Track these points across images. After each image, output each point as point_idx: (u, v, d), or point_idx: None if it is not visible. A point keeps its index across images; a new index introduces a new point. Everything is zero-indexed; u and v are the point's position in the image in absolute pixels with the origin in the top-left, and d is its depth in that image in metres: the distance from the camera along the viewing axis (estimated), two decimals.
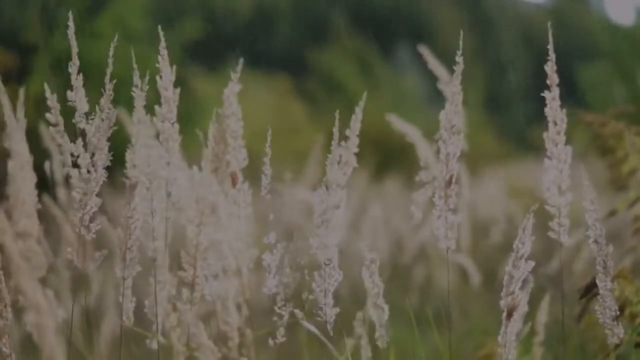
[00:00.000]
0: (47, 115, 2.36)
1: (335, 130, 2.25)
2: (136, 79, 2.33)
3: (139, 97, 2.34)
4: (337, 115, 2.25)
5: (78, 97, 2.29)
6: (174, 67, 2.38)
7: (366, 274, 2.41)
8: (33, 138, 2.89)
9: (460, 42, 2.28)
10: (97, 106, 2.29)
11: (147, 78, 2.35)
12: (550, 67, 2.27)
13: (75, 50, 2.29)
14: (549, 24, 2.25)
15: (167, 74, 2.38)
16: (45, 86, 2.36)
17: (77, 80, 2.29)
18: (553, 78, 2.27)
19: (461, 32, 2.28)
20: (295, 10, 20.69)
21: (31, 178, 2.82)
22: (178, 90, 2.39)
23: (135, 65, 2.34)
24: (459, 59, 2.28)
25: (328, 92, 17.36)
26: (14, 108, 2.79)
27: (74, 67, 2.30)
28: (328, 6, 20.64)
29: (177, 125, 2.38)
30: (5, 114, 2.79)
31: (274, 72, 15.74)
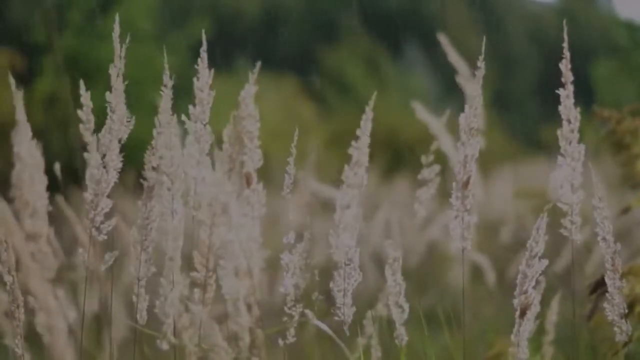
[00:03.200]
0: (79, 112, 2.35)
1: None
2: (166, 79, 2.31)
3: (167, 97, 2.32)
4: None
5: (118, 100, 2.27)
6: (212, 70, 2.36)
7: (388, 272, 2.41)
8: (41, 138, 2.88)
9: (483, 47, 2.26)
10: (107, 106, 2.28)
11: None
12: (564, 65, 2.25)
13: (118, 52, 2.27)
14: (564, 21, 2.23)
15: (204, 76, 2.36)
16: (81, 83, 2.34)
17: (117, 82, 2.27)
18: (567, 75, 2.25)
19: (484, 38, 2.26)
20: (304, 11, 20.70)
21: (41, 179, 2.82)
22: (213, 92, 2.37)
23: (166, 65, 2.32)
24: (480, 63, 2.26)
25: (337, 92, 17.37)
26: (24, 109, 2.79)
27: (114, 69, 2.27)
28: (337, 6, 20.64)
29: (209, 127, 2.36)
30: (15, 115, 2.79)
31: (282, 72, 15.74)
